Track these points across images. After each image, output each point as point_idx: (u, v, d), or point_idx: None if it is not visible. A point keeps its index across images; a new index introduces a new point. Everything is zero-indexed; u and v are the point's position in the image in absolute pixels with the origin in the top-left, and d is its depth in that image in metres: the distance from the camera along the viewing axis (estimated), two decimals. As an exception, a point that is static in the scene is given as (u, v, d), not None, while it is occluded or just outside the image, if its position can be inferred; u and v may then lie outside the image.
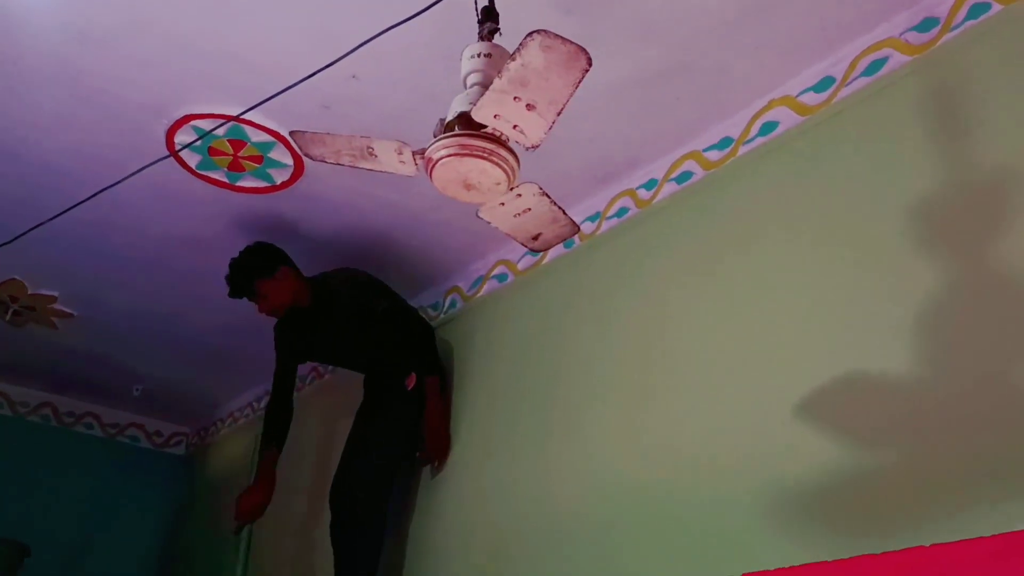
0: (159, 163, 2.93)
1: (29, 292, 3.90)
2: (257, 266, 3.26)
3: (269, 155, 2.97)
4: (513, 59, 1.59)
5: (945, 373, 1.91)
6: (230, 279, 3.27)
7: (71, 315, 4.07)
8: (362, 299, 3.35)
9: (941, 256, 2.00)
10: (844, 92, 2.38)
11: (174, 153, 2.94)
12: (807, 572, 1.85)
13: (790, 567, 1.89)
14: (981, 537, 1.63)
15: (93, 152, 2.97)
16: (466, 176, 1.81)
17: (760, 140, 2.57)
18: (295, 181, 3.10)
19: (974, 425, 1.81)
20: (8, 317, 4.04)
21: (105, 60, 2.58)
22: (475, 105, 1.72)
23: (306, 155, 1.99)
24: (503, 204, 1.96)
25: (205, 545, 4.75)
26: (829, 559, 1.86)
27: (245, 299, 3.31)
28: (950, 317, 1.94)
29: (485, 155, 1.76)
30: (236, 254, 3.33)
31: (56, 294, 3.93)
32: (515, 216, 2.01)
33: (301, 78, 2.50)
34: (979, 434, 1.79)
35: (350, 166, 1.96)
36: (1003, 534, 1.60)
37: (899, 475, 1.90)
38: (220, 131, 2.85)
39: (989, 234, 1.94)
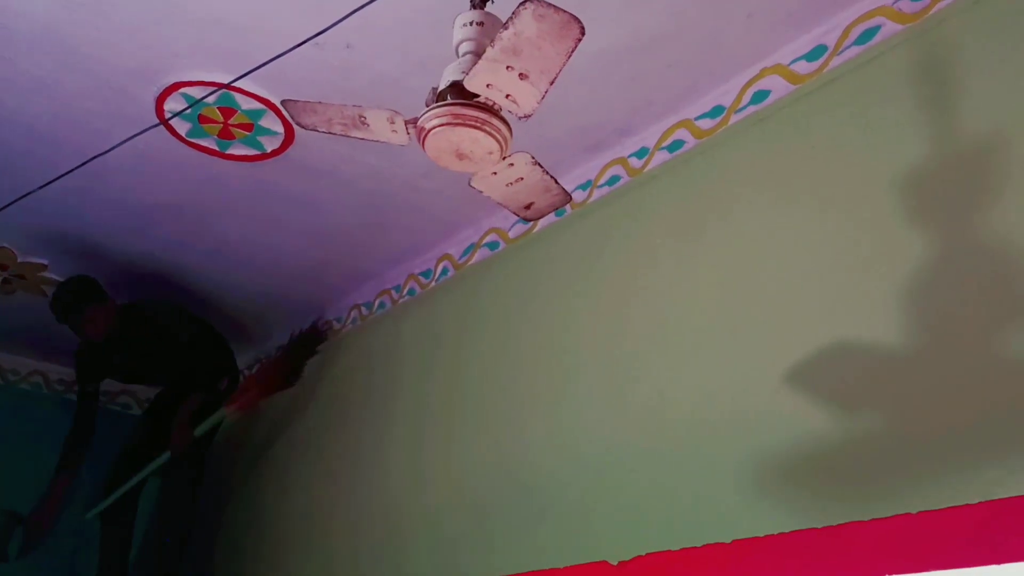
0: (150, 131, 2.91)
1: (19, 260, 3.88)
2: (87, 293, 3.69)
3: (260, 123, 2.95)
4: (506, 28, 1.58)
5: (932, 341, 1.94)
6: (59, 304, 3.68)
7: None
8: (171, 325, 3.88)
9: (930, 225, 2.02)
10: (836, 61, 2.38)
11: (164, 121, 2.92)
12: (795, 539, 1.88)
13: (779, 534, 1.92)
14: (968, 504, 1.66)
15: (81, 119, 2.94)
16: (458, 145, 1.81)
17: (752, 108, 2.57)
18: (286, 149, 3.09)
19: (960, 393, 1.84)
20: (-2, 285, 4.02)
21: (93, 26, 2.55)
22: (467, 74, 1.71)
23: (297, 124, 1.98)
24: (495, 173, 1.95)
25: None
26: (817, 526, 1.89)
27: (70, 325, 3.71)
28: (938, 285, 1.96)
29: (477, 125, 1.75)
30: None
31: (46, 262, 3.91)
32: (507, 185, 2.00)
33: (292, 45, 2.48)
34: (965, 402, 1.82)
35: (342, 135, 1.96)
36: (989, 501, 1.64)
37: (886, 442, 1.92)
38: (210, 99, 2.83)
39: (978, 203, 1.95)
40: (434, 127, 1.77)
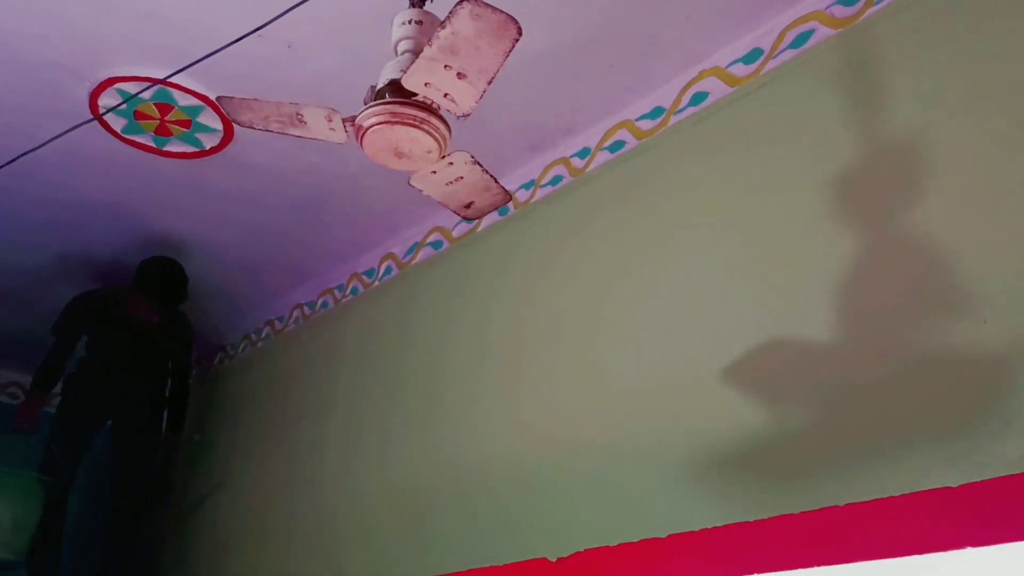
0: (84, 127, 2.84)
1: (-54, 260, 3.78)
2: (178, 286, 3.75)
3: (198, 119, 2.91)
4: (443, 27, 1.58)
5: (860, 335, 1.99)
6: (174, 282, 3.65)
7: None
8: (184, 345, 4.00)
9: (859, 222, 2.07)
10: (772, 64, 2.43)
11: (98, 116, 2.86)
12: (728, 532, 1.92)
13: (712, 528, 1.95)
14: (892, 496, 1.70)
15: (9, 115, 2.87)
16: (397, 144, 1.81)
17: (691, 110, 2.61)
18: (225, 146, 3.05)
19: (887, 386, 1.89)
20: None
21: (22, 18, 2.49)
22: (405, 73, 1.71)
23: (234, 121, 1.96)
24: (435, 172, 1.95)
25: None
26: (750, 519, 1.93)
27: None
28: (866, 281, 2.01)
29: (416, 123, 1.76)
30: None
31: (-26, 263, 3.81)
32: (447, 184, 2.01)
33: (230, 41, 2.45)
34: (892, 395, 1.87)
35: (279, 133, 1.94)
36: (913, 493, 1.68)
37: (816, 436, 1.97)
38: (146, 94, 2.78)
39: (905, 201, 2.01)
40: (372, 125, 1.76)
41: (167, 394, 4.02)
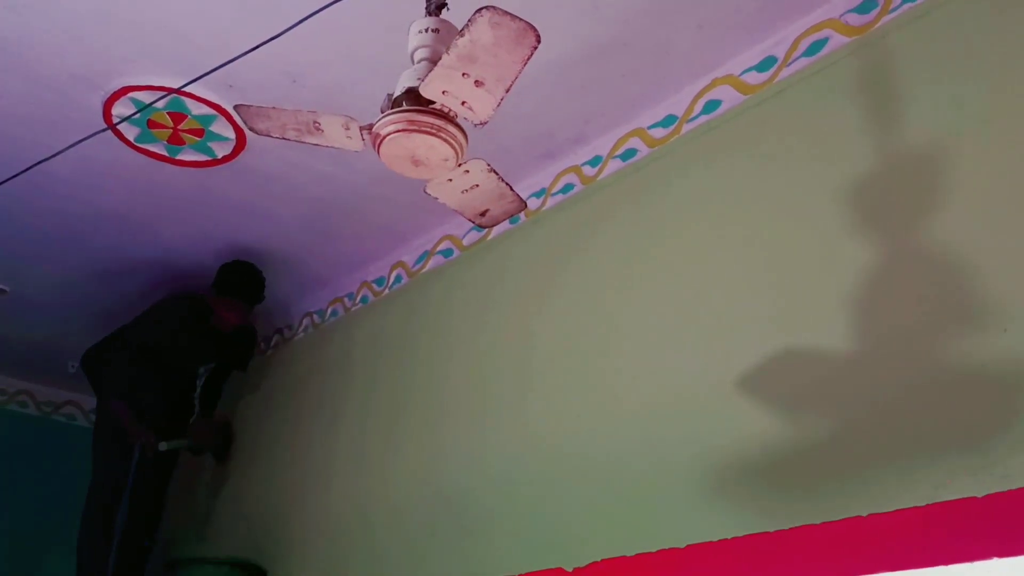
0: (97, 136, 2.85)
1: (-42, 268, 3.79)
2: (262, 288, 3.74)
3: (210, 128, 2.92)
4: (461, 35, 1.59)
5: (878, 346, 1.97)
6: (258, 284, 3.69)
7: (3, 291, 3.96)
8: (250, 347, 4.05)
9: (875, 232, 2.06)
10: (786, 72, 2.42)
11: (112, 126, 2.87)
12: (748, 543, 1.90)
13: (732, 538, 1.94)
14: (915, 507, 1.69)
15: (25, 123, 2.88)
16: (414, 152, 1.81)
17: (704, 118, 2.61)
18: (237, 155, 3.05)
19: (906, 397, 1.87)
20: (-63, 293, 3.92)
21: (38, 29, 2.50)
22: (423, 81, 1.71)
23: (251, 129, 1.96)
24: (451, 180, 1.95)
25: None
26: (769, 530, 1.91)
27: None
28: (883, 291, 2.00)
29: (433, 131, 1.76)
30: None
31: (-16, 270, 3.83)
32: (463, 192, 2.01)
33: (244, 51, 2.45)
34: (910, 406, 1.86)
35: (295, 141, 1.94)
36: (934, 504, 1.67)
37: (835, 447, 1.95)
38: (160, 103, 2.79)
39: (921, 211, 2.00)
40: (389, 133, 1.76)
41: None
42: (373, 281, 3.74)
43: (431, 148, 1.79)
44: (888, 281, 2.01)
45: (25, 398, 5.00)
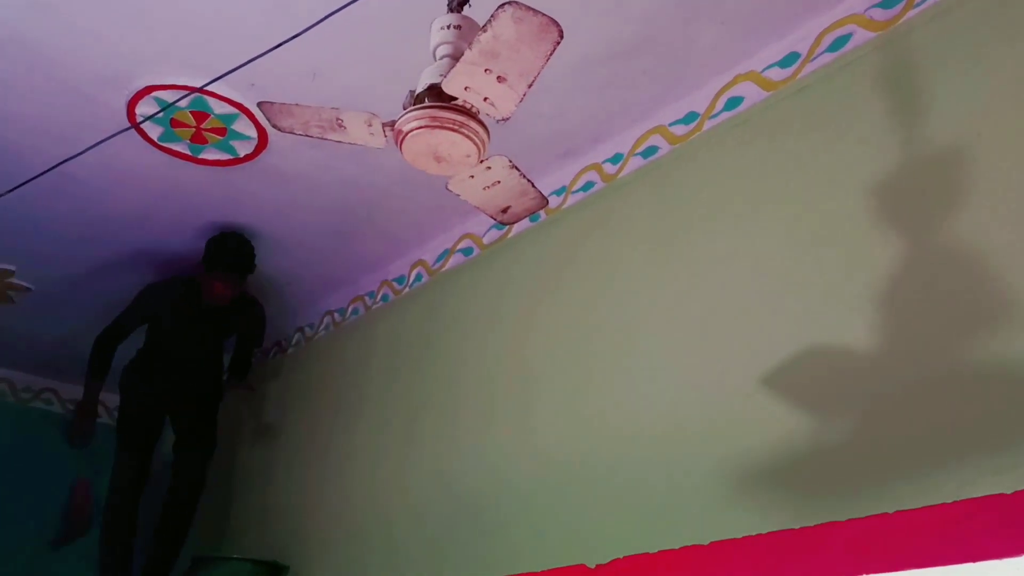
0: (120, 135, 2.87)
1: (-15, 266, 3.83)
2: (251, 258, 3.59)
3: (232, 127, 2.93)
4: (484, 31, 1.58)
5: (902, 344, 1.96)
6: (247, 254, 3.55)
7: (28, 289, 3.99)
8: (256, 318, 3.93)
9: (900, 230, 2.04)
10: (809, 68, 2.40)
11: (136, 125, 2.89)
12: (772, 540, 1.89)
13: (756, 535, 1.92)
14: (943, 503, 1.67)
15: (50, 124, 2.91)
16: (436, 148, 1.81)
17: (725, 115, 2.60)
18: (259, 154, 3.07)
19: (929, 394, 1.86)
20: (-37, 292, 3.96)
21: (62, 30, 2.52)
22: (445, 77, 1.72)
23: (274, 126, 1.96)
24: (473, 177, 1.95)
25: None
26: (794, 527, 1.90)
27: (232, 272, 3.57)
28: (908, 289, 1.98)
29: (455, 127, 1.76)
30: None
31: (13, 268, 3.85)
32: (484, 189, 2.00)
33: (266, 49, 2.46)
34: (934, 403, 1.84)
35: (318, 138, 1.95)
36: (962, 500, 1.65)
37: (860, 444, 1.94)
38: (183, 102, 2.80)
39: (947, 208, 1.98)
40: (412, 129, 1.77)
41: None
42: (393, 280, 3.75)
43: (453, 144, 1.79)
44: (913, 279, 1.99)
45: (50, 395, 5.04)
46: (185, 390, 3.89)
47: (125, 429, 3.82)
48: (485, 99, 1.73)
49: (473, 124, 1.77)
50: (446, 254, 3.51)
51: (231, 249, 3.55)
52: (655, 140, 2.79)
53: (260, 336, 4.07)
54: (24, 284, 3.96)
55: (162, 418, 3.92)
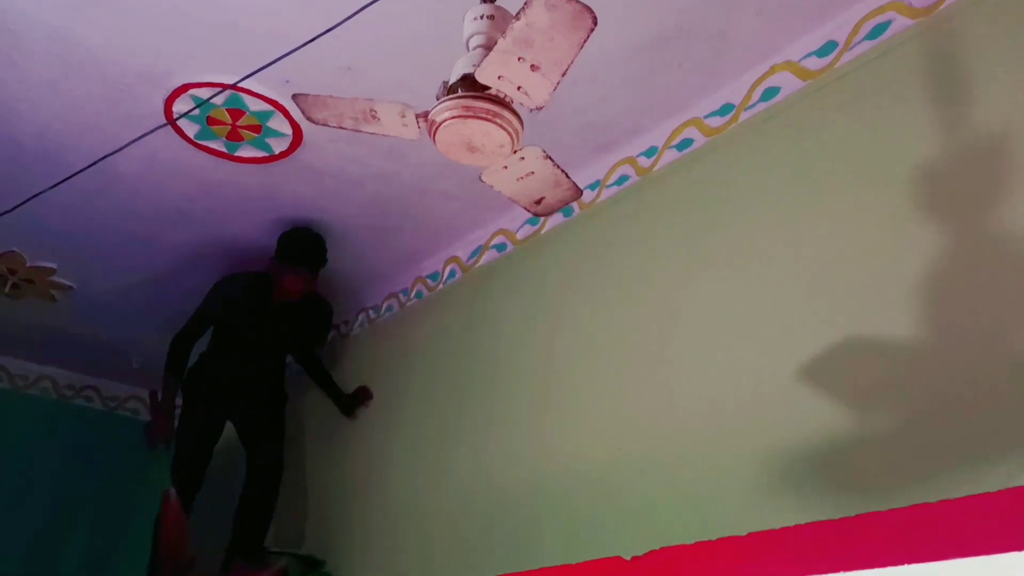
0: (157, 132, 2.91)
1: (28, 264, 3.89)
2: (323, 252, 3.58)
3: (268, 124, 2.96)
4: (517, 19, 1.58)
5: (945, 335, 1.92)
6: (321, 250, 3.54)
7: (70, 287, 4.06)
8: (323, 315, 3.88)
9: (942, 220, 2.01)
10: (847, 56, 2.37)
11: (172, 122, 2.92)
12: (812, 530, 1.86)
13: (795, 525, 1.90)
14: (987, 492, 1.64)
15: (90, 121, 2.95)
16: (470, 138, 1.81)
17: (762, 106, 2.57)
18: (294, 151, 3.09)
19: (973, 385, 1.82)
20: (7, 290, 4.03)
21: (103, 28, 2.56)
22: (478, 67, 1.71)
23: (309, 119, 1.98)
24: (506, 167, 1.95)
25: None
26: (833, 518, 1.87)
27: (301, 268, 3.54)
28: (949, 280, 1.95)
29: (489, 117, 1.76)
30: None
31: (55, 266, 3.92)
32: (518, 180, 2.00)
33: (298, 45, 2.48)
34: (978, 394, 1.80)
35: (352, 129, 1.95)
36: (1006, 490, 1.62)
37: (902, 439, 1.90)
38: (218, 100, 2.83)
39: (988, 199, 1.94)
40: (445, 120, 1.77)
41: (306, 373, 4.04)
42: (427, 276, 3.75)
43: (487, 134, 1.79)
44: (956, 271, 1.95)
45: (91, 393, 5.12)
46: (250, 389, 3.80)
47: (186, 430, 3.70)
48: (519, 88, 1.72)
49: (506, 114, 1.76)
50: (480, 250, 3.51)
51: (302, 244, 3.52)
52: (690, 132, 2.77)
53: (324, 336, 4.00)
54: (66, 283, 4.02)
55: (224, 420, 3.80)
